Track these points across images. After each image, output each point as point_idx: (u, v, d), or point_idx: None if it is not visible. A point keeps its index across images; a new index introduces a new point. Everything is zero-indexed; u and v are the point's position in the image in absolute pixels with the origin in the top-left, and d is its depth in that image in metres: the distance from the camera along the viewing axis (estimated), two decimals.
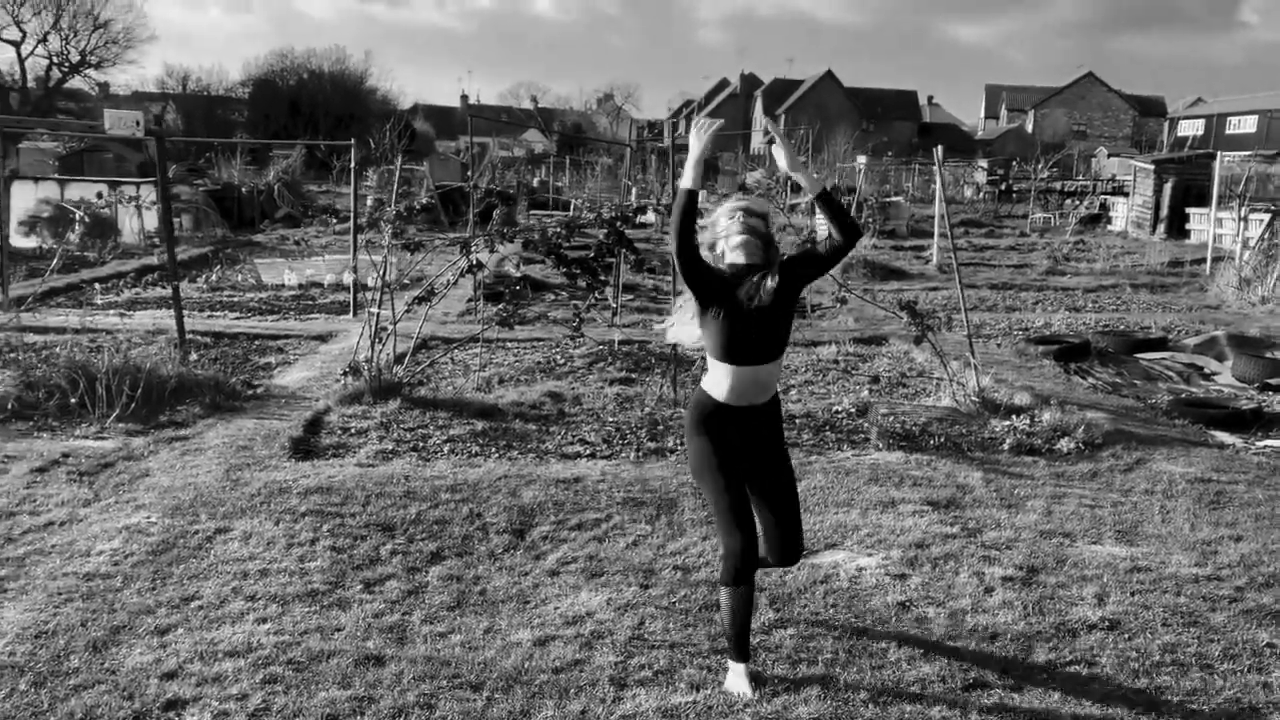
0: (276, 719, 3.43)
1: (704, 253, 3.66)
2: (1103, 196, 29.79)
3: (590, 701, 3.56)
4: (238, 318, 11.55)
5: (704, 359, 3.75)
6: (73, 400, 7.11)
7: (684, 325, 3.83)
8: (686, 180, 3.58)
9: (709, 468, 3.65)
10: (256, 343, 10.13)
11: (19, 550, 4.83)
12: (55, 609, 4.21)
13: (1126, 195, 27.09)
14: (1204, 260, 17.49)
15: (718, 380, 3.66)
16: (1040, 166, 33.25)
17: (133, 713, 3.45)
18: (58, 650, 3.87)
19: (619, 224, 7.62)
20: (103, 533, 5.04)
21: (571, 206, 25.82)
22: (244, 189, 23.95)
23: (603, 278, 8.00)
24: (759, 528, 3.72)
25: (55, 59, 60.16)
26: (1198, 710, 3.56)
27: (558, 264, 7.78)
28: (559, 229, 7.69)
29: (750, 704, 3.55)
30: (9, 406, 7.10)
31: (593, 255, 7.77)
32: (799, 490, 5.71)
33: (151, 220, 18.63)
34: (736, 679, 3.68)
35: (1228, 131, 61.07)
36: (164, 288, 13.22)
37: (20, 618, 4.13)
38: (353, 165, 12.15)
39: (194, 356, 8.73)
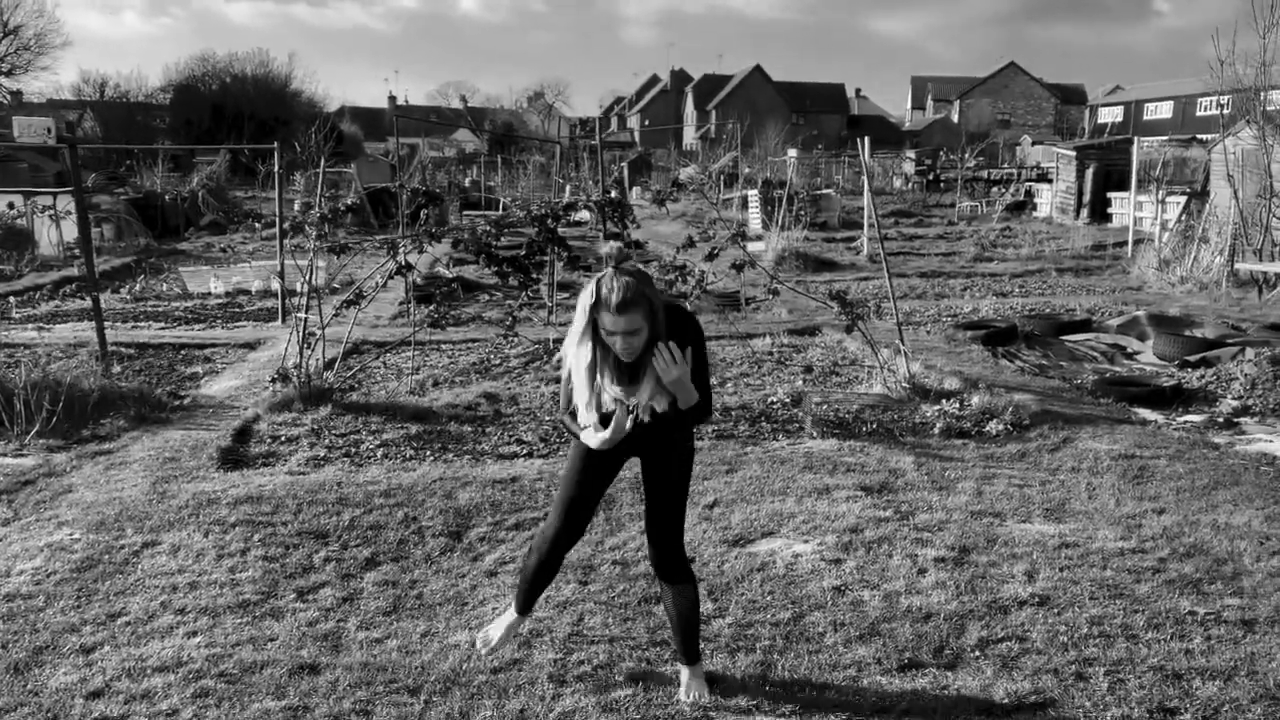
0: None
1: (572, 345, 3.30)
2: (1027, 184, 30.41)
3: (530, 700, 3.55)
4: (163, 328, 11.29)
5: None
6: None
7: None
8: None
9: (574, 458, 3.56)
10: (183, 352, 9.91)
11: None
12: None
13: (1050, 182, 27.70)
14: (1125, 243, 17.95)
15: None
16: (966, 156, 33.88)
17: None
18: None
19: (550, 221, 7.58)
20: (24, 551, 4.89)
21: (501, 205, 25.70)
22: (167, 196, 23.42)
23: (535, 276, 7.96)
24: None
25: None
26: (1124, 679, 3.65)
27: (489, 263, 7.72)
28: (489, 228, 7.62)
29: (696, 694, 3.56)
30: None
31: (524, 254, 7.72)
32: (736, 480, 5.77)
33: (70, 231, 18.12)
34: (497, 624, 3.79)
35: (1145, 118, 62.72)
36: (84, 299, 12.88)
37: None
38: (277, 169, 11.94)
39: (118, 368, 8.53)
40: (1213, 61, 14.63)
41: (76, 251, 17.71)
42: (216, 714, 3.47)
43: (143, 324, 11.53)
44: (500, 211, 23.86)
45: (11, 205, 17.82)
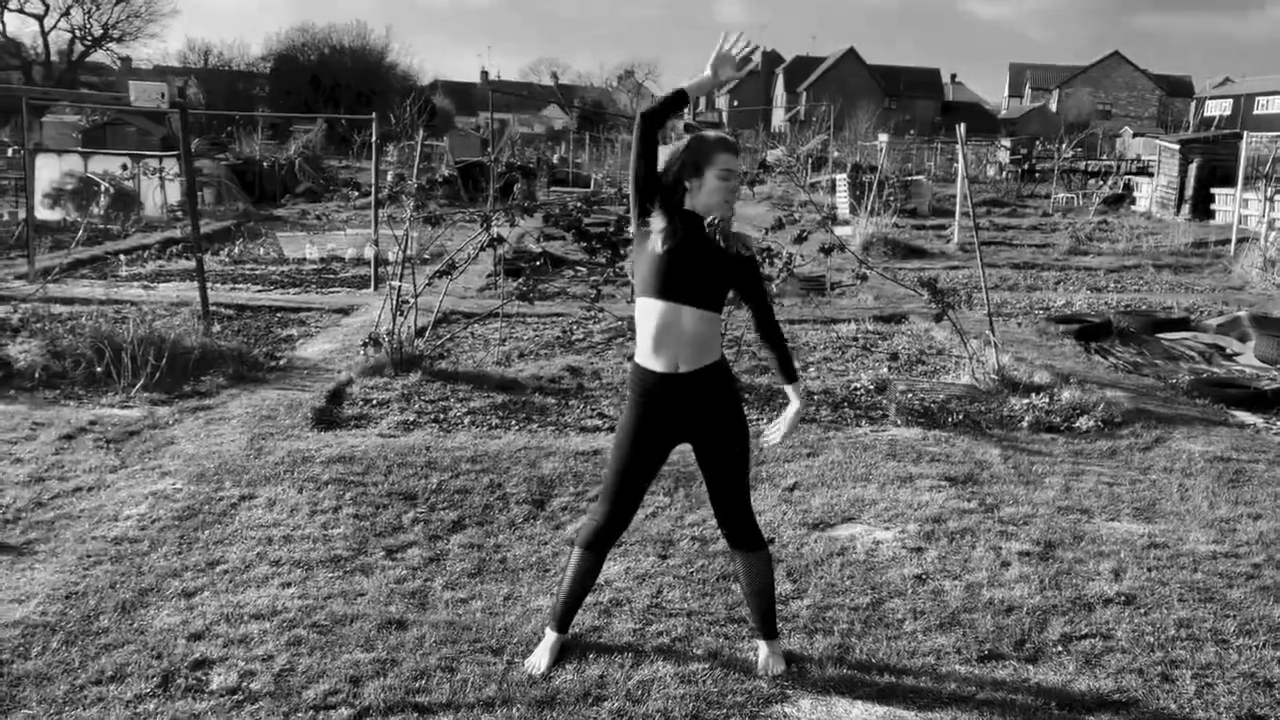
0: (301, 679, 3.49)
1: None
2: (1127, 177, 29.51)
3: (609, 667, 3.61)
4: (260, 290, 11.63)
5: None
6: (99, 369, 7.21)
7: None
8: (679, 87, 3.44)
9: (623, 438, 3.53)
10: (278, 315, 10.21)
11: (48, 514, 4.92)
12: (85, 571, 4.29)
13: (1151, 176, 26.84)
14: (1228, 241, 17.33)
15: (639, 329, 3.45)
16: (1064, 146, 32.97)
17: (161, 671, 3.52)
18: (88, 610, 3.95)
19: None
20: (130, 498, 5.12)
21: (592, 181, 25.85)
22: (265, 163, 24.05)
23: (623, 252, 8.01)
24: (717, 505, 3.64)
25: (78, 32, 60.42)
26: (1212, 683, 3.58)
27: (578, 238, 7.80)
28: (579, 204, 7.70)
29: (769, 677, 3.59)
30: (36, 375, 7.20)
31: (613, 229, 7.78)
32: (817, 464, 5.76)
33: (174, 193, 18.76)
34: (540, 649, 3.67)
35: (1256, 112, 60.33)
36: (188, 259, 13.34)
37: (51, 579, 4.21)
38: (374, 139, 12.19)
39: (217, 328, 8.82)
40: None
41: (180, 214, 18.31)
42: (309, 662, 3.61)
43: (241, 286, 11.89)
44: (590, 188, 24.02)
45: (125, 166, 18.47)
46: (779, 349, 3.53)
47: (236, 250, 14.95)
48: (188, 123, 8.51)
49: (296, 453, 5.81)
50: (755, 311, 3.54)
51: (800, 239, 7.71)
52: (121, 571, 4.30)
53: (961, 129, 10.87)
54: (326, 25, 64.55)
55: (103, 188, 17.19)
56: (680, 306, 3.36)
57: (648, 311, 3.40)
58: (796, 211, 7.90)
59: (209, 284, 9.98)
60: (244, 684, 3.46)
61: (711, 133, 3.49)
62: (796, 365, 3.65)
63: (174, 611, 3.96)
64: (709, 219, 3.39)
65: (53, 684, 3.44)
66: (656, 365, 3.43)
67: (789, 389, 3.54)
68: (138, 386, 7.02)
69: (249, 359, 7.84)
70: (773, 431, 3.55)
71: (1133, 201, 26.96)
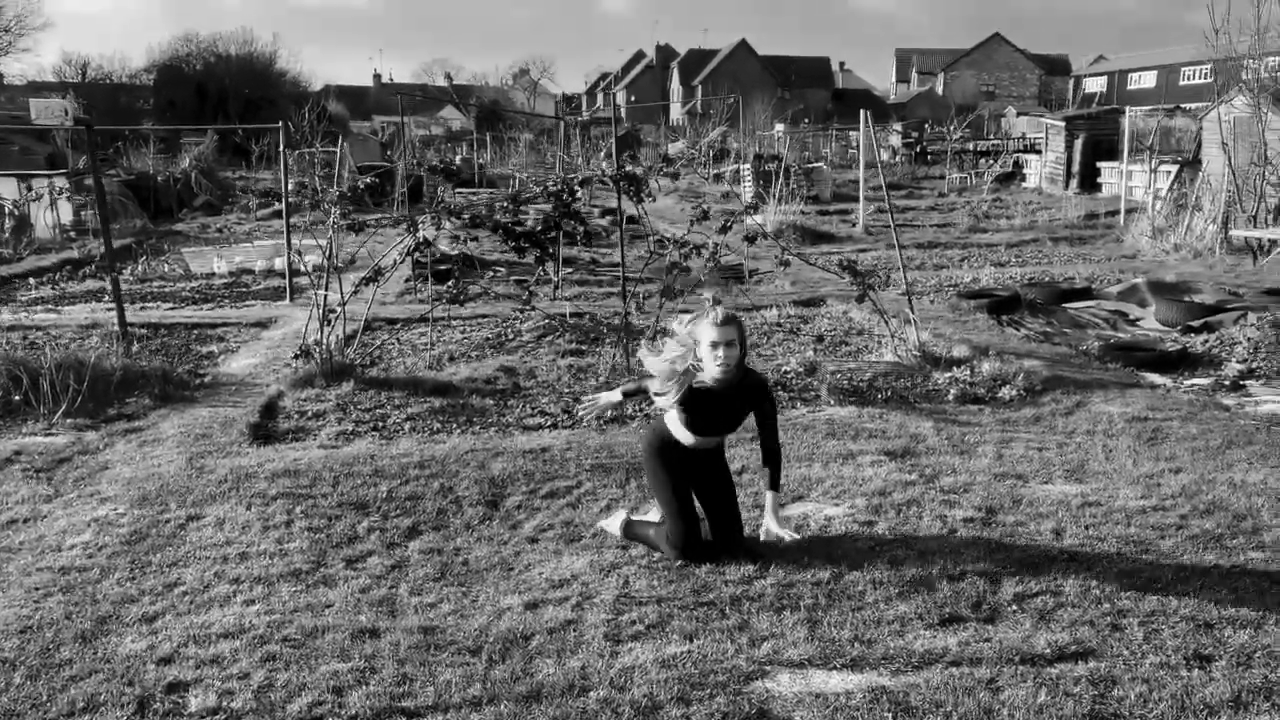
0: (283, 693, 3.47)
1: (672, 354, 4.37)
2: (1016, 155, 30.55)
3: (589, 657, 3.67)
4: (172, 308, 11.32)
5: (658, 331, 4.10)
6: (15, 398, 6.96)
7: (656, 362, 4.46)
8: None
9: (663, 482, 4.48)
10: (196, 332, 9.95)
11: None
12: (35, 604, 4.17)
13: (1039, 153, 27.83)
14: (1117, 212, 18.12)
15: (679, 432, 4.46)
16: (953, 128, 33.92)
17: (135, 698, 3.46)
18: (46, 643, 3.84)
19: (565, 196, 7.66)
20: (70, 527, 4.98)
21: (515, 181, 25.72)
22: (159, 178, 23.30)
23: (551, 251, 8.05)
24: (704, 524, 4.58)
25: None
26: (1159, 629, 3.80)
27: (506, 239, 7.79)
28: (505, 203, 7.70)
29: (742, 650, 3.69)
30: None
31: (541, 229, 7.80)
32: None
33: (66, 213, 18.08)
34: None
35: (1129, 87, 62.88)
36: (98, 278, 12.94)
37: (1, 614, 4.09)
38: (282, 148, 11.96)
39: (135, 348, 8.58)
40: (1207, 31, 14.77)
41: (73, 234, 17.67)
42: (286, 676, 3.58)
43: (150, 304, 11.55)
44: (498, 189, 23.89)
45: (30, 186, 17.63)
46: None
47: (140, 268, 14.48)
48: (95, 139, 8.24)
49: (239, 469, 5.71)
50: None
51: (725, 229, 7.85)
52: (75, 601, 4.19)
53: (866, 114, 11.16)
54: (211, 33, 62.41)
55: (6, 209, 16.44)
56: (714, 438, 4.59)
57: (687, 437, 4.49)
58: (705, 203, 8.00)
59: None
60: (224, 703, 3.42)
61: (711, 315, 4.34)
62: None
63: (138, 637, 3.88)
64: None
65: None
66: (692, 447, 4.51)
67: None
68: (59, 413, 6.80)
69: (174, 378, 7.65)
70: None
71: (1023, 178, 27.93)
